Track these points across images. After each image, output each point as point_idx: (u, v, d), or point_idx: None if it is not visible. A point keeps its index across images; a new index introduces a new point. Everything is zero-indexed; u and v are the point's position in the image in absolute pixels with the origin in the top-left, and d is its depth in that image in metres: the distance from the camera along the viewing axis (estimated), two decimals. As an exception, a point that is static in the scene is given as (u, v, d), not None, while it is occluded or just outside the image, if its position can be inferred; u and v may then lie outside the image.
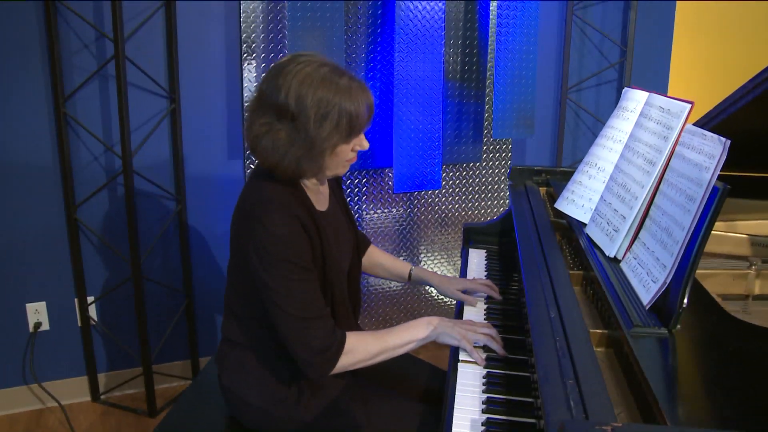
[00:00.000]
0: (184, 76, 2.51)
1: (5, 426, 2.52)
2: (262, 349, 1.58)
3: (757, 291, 1.56)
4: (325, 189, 1.65)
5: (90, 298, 2.60)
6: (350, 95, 1.41)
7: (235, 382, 1.60)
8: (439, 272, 2.34)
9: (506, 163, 3.14)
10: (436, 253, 3.13)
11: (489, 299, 1.82)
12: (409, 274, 1.95)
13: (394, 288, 3.08)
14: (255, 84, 2.53)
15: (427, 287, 3.15)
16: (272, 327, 1.48)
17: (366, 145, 1.52)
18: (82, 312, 2.58)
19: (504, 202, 3.19)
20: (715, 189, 1.12)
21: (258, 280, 1.44)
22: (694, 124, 1.38)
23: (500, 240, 2.31)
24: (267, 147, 1.42)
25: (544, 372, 1.06)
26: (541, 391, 1.01)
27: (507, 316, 1.72)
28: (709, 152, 1.18)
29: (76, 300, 2.58)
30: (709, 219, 1.12)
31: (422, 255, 3.10)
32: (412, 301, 3.13)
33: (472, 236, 2.32)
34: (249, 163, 2.62)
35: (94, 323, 2.63)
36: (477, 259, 2.17)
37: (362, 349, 1.49)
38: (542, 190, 2.23)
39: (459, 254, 3.16)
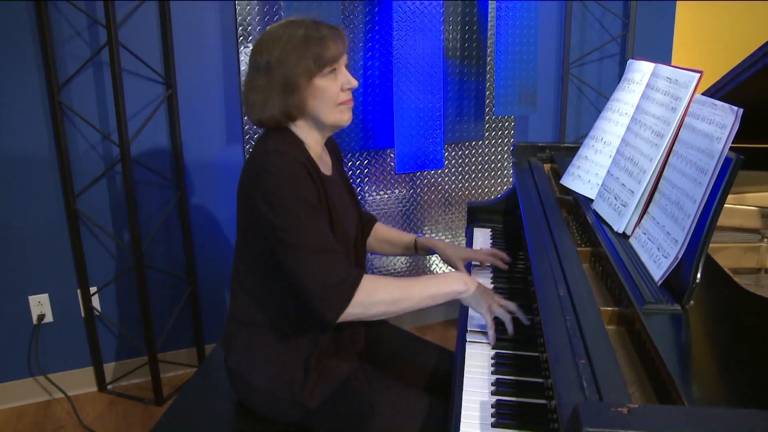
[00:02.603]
0: (180, 62, 2.47)
1: (13, 418, 2.51)
2: (271, 328, 1.55)
3: (769, 264, 1.53)
4: (327, 158, 1.63)
5: (93, 289, 2.58)
6: (316, 28, 1.46)
7: (241, 364, 1.58)
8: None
9: (509, 140, 3.10)
10: (440, 233, 3.10)
11: (495, 277, 1.80)
12: (415, 244, 1.92)
13: (400, 268, 3.05)
14: (252, 67, 2.49)
15: (429, 263, 3.12)
16: (283, 300, 1.48)
17: (354, 82, 1.50)
18: (85, 303, 2.56)
19: (507, 180, 3.15)
20: (727, 160, 1.09)
21: (268, 227, 1.41)
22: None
23: (505, 218, 2.28)
24: (253, 101, 1.47)
25: (554, 352, 1.03)
26: (552, 372, 0.99)
27: (514, 295, 1.70)
28: (720, 122, 1.15)
29: (78, 291, 2.56)
30: (722, 191, 1.09)
31: (426, 235, 3.06)
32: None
33: (476, 215, 2.30)
34: (248, 148, 2.59)
35: (97, 313, 2.61)
36: (482, 238, 2.14)
37: (382, 287, 1.42)
38: (546, 166, 2.20)
39: (463, 233, 3.14)
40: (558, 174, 2.11)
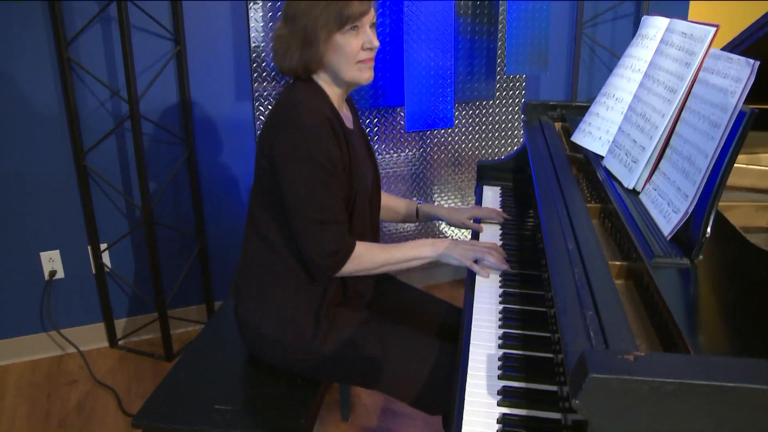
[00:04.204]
0: (189, 18, 2.45)
1: (28, 371, 2.56)
2: (283, 276, 1.58)
3: (780, 222, 1.52)
4: (348, 112, 1.65)
5: (103, 245, 2.60)
6: None
7: (251, 313, 1.61)
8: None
9: (520, 100, 3.07)
10: (450, 193, 3.10)
11: (504, 234, 1.81)
12: (417, 211, 1.94)
13: (408, 229, 3.06)
14: (261, 24, 2.47)
15: (439, 225, 3.13)
16: (294, 247, 1.53)
17: (376, 42, 1.51)
18: (95, 259, 2.59)
19: (518, 140, 3.13)
20: (741, 113, 1.08)
21: (282, 179, 1.46)
22: (717, 49, 1.32)
23: (514, 176, 2.28)
24: (276, 49, 1.52)
25: (562, 303, 1.04)
26: (560, 322, 0.99)
27: (523, 251, 1.70)
28: (736, 75, 1.13)
29: (89, 247, 2.58)
30: (734, 144, 1.07)
31: (435, 195, 3.06)
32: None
33: (486, 173, 2.29)
34: (258, 105, 2.58)
35: (108, 270, 2.64)
36: (491, 195, 2.14)
37: (368, 258, 1.55)
38: (557, 125, 2.18)
39: (473, 193, 3.13)
40: (569, 132, 2.09)
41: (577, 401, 0.76)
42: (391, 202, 1.95)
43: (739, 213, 1.53)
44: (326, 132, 1.44)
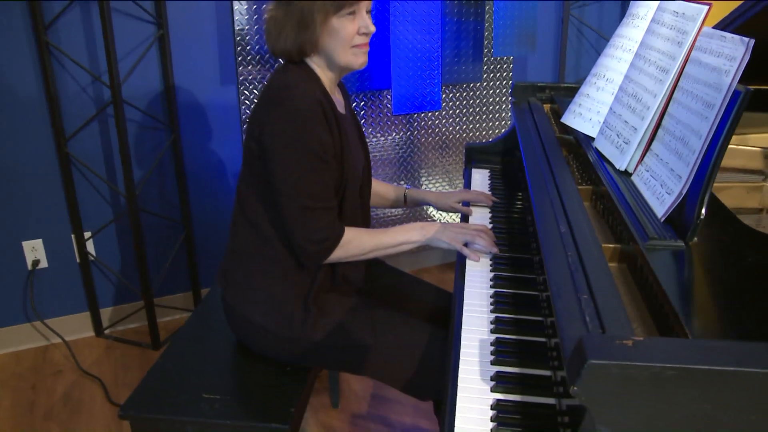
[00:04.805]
0: (171, 1, 2.40)
1: (12, 362, 2.52)
2: (271, 262, 1.55)
3: (771, 203, 1.52)
4: (339, 97, 1.62)
5: (87, 234, 2.56)
6: None
7: (239, 300, 1.58)
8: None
9: (507, 82, 3.04)
10: (437, 176, 3.08)
11: (494, 217, 1.79)
12: (405, 197, 1.92)
13: (395, 214, 3.04)
14: (245, 6, 2.42)
15: (426, 209, 3.11)
16: (283, 232, 1.50)
17: (372, 27, 1.48)
18: (79, 248, 2.55)
19: (505, 123, 3.11)
20: (736, 93, 1.06)
21: (271, 163, 1.43)
22: (710, 28, 1.30)
23: (503, 159, 2.26)
24: (269, 30, 1.48)
25: (556, 287, 1.02)
26: (555, 306, 0.97)
27: (512, 234, 1.68)
28: (729, 54, 1.11)
29: (72, 236, 2.54)
30: (729, 124, 1.06)
31: (423, 178, 3.04)
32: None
33: (474, 156, 2.27)
34: (243, 89, 2.54)
35: (92, 258, 2.60)
36: (480, 178, 2.12)
37: (357, 244, 1.53)
38: (546, 106, 2.16)
39: (460, 176, 3.11)
40: (558, 114, 2.07)
41: (575, 388, 0.75)
42: (380, 188, 1.93)
43: (730, 194, 1.52)
44: (318, 116, 1.41)
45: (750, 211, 1.52)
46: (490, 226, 1.74)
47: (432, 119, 2.95)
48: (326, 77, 1.53)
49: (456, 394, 1.11)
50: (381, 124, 2.85)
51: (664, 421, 0.75)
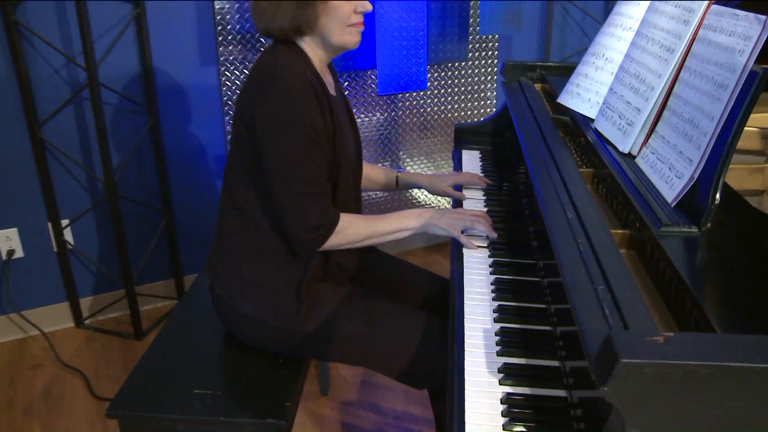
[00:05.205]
0: (146, -23, 2.31)
1: (-12, 355, 2.45)
2: (261, 251, 1.50)
3: (773, 184, 1.49)
4: (330, 78, 1.56)
5: (64, 222, 2.47)
6: None
7: (229, 291, 1.52)
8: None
9: (492, 61, 2.99)
10: (422, 158, 3.03)
11: (488, 200, 1.76)
12: (397, 180, 1.87)
13: (378, 198, 2.99)
14: (223, -17, 2.34)
15: (412, 193, 3.06)
16: (277, 218, 1.44)
17: (369, 6, 1.43)
18: (56, 236, 2.46)
19: (491, 102, 3.06)
20: (753, 74, 1.02)
21: (263, 148, 1.38)
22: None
23: (493, 140, 2.22)
24: (263, 8, 1.40)
25: (571, 278, 0.98)
26: (571, 299, 0.93)
27: (508, 217, 1.65)
28: (744, 33, 1.07)
29: (49, 224, 2.45)
30: (746, 106, 1.02)
31: (408, 159, 2.99)
32: (398, 209, 3.05)
33: (463, 137, 2.23)
34: (224, 70, 2.46)
35: (70, 247, 2.52)
36: (471, 160, 2.08)
37: (352, 231, 1.48)
38: (537, 86, 2.11)
39: (446, 157, 3.07)
40: (550, 94, 2.03)
41: (605, 388, 0.71)
42: (370, 171, 1.88)
43: (732, 176, 1.49)
44: (310, 98, 1.35)
45: (752, 193, 1.50)
46: (485, 209, 1.70)
47: (417, 99, 2.89)
48: (317, 58, 1.47)
49: (464, 389, 1.06)
50: (365, 104, 2.79)
51: (697, 420, 0.71)
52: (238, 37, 2.43)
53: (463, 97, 2.99)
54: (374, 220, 1.52)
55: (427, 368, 1.50)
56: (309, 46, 1.44)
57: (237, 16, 2.40)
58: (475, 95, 3.02)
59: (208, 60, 2.47)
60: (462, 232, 1.50)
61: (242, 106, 1.42)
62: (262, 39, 2.47)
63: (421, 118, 2.95)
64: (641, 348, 0.71)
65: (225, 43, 2.42)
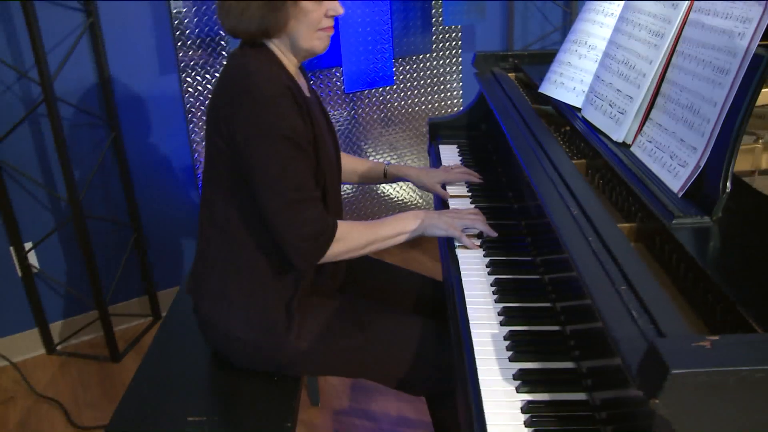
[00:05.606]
0: (98, -16, 2.20)
1: (-46, 390, 2.32)
2: (247, 269, 1.42)
3: (764, 165, 1.47)
4: (302, 80, 1.49)
5: (28, 245, 2.36)
6: None
7: (215, 312, 1.45)
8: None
9: (456, 51, 2.95)
10: (391, 152, 2.98)
11: (474, 197, 1.72)
12: (384, 172, 1.82)
13: (351, 193, 2.93)
14: (179, -13, 2.25)
15: (377, 188, 3.01)
16: (262, 235, 1.38)
17: (340, 10, 1.38)
18: (20, 260, 2.35)
19: (457, 94, 3.03)
20: (757, 57, 1.00)
21: (246, 159, 1.30)
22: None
23: (469, 133, 2.18)
24: (229, 7, 1.32)
25: (590, 280, 0.94)
26: (596, 303, 0.89)
27: (496, 213, 1.61)
28: (742, 15, 1.05)
29: (11, 248, 2.33)
30: (753, 90, 1.00)
31: (378, 156, 2.94)
32: (371, 206, 3.00)
33: (439, 131, 2.19)
34: (185, 77, 2.37)
35: (36, 270, 2.40)
36: (450, 154, 2.04)
37: (354, 237, 1.41)
38: (511, 75, 2.08)
39: (419, 152, 3.03)
40: (525, 83, 2.00)
41: (657, 401, 0.67)
42: (357, 165, 1.82)
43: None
44: (289, 102, 1.29)
45: (743, 174, 1.48)
46: (472, 206, 1.66)
47: (383, 94, 2.84)
48: (289, 61, 1.40)
49: (481, 400, 1.02)
50: (332, 103, 2.72)
51: (752, 426, 0.68)
52: (198, 41, 2.34)
53: (429, 89, 2.95)
54: (374, 225, 1.46)
55: (426, 373, 1.46)
56: (278, 49, 1.38)
57: (195, 19, 2.31)
58: (441, 86, 2.97)
59: (168, 67, 2.38)
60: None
61: (216, 118, 1.34)
62: (223, 42, 2.38)
63: (388, 113, 2.89)
64: (690, 356, 0.68)
65: (185, 48, 2.33)
